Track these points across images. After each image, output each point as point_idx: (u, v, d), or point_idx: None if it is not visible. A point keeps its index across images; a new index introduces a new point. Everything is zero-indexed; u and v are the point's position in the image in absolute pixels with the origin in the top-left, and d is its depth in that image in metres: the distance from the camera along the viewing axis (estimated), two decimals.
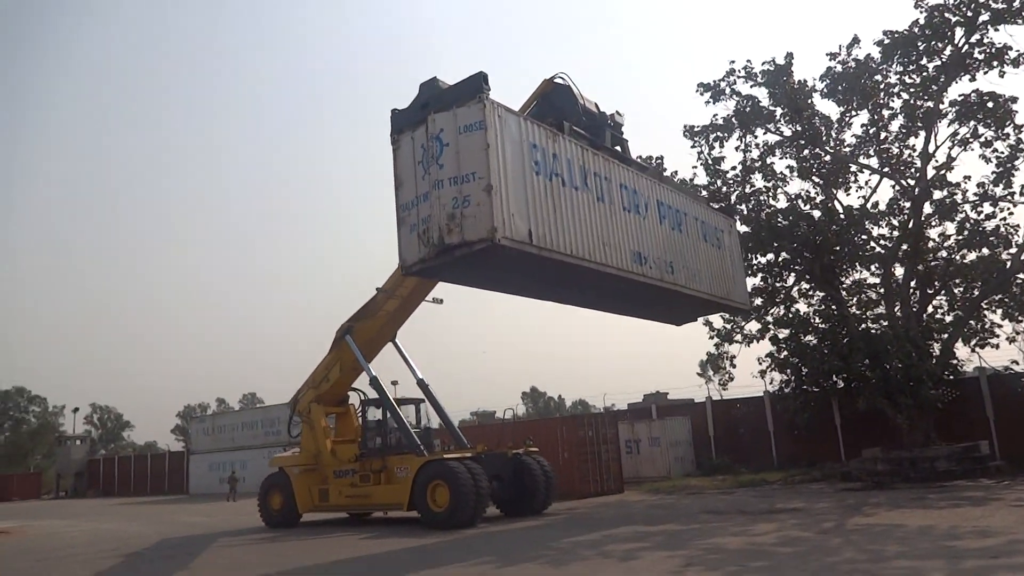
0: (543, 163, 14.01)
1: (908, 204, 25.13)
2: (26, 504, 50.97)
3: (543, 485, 19.40)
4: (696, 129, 27.63)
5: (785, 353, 24.47)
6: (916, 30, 23.98)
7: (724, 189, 27.56)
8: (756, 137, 27.29)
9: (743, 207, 26.97)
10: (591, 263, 14.57)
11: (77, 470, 59.06)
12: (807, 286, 26.22)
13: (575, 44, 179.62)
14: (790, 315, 25.41)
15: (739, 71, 26.68)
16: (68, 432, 75.76)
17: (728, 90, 26.92)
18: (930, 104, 24.43)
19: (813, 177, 26.74)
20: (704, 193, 27.63)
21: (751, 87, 26.71)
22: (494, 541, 15.19)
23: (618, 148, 17.45)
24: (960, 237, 24.24)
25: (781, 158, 27.45)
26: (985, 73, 23.67)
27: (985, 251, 23.58)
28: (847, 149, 26.80)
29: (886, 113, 25.74)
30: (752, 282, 25.80)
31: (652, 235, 16.90)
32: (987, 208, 23.88)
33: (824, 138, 26.62)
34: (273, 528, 20.78)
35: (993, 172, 23.71)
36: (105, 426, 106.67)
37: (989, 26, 23.14)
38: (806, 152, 26.76)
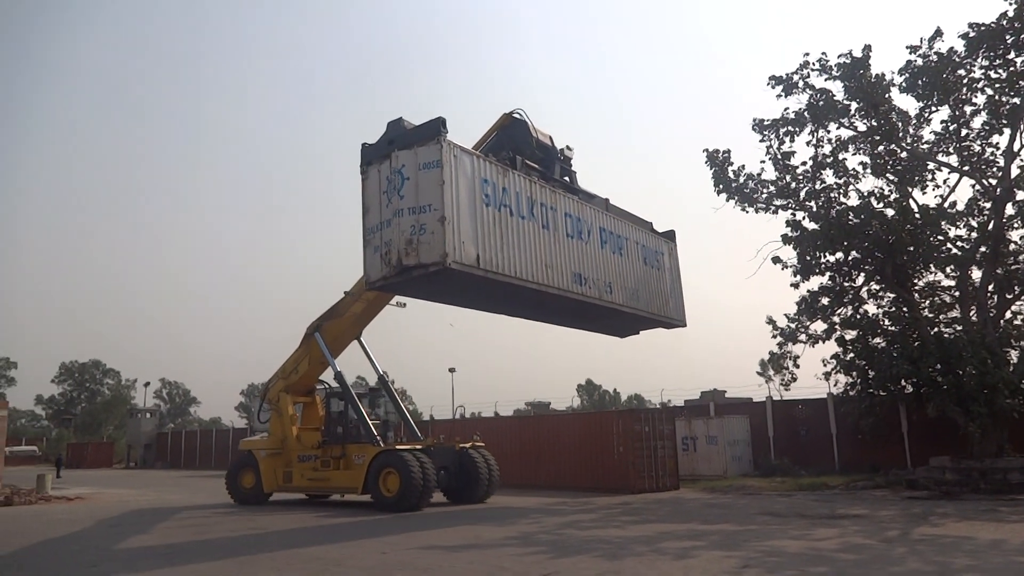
0: (493, 196, 16.03)
1: (989, 205, 24.11)
2: (99, 472, 53.35)
3: (486, 477, 21.27)
4: (766, 123, 26.98)
5: (852, 355, 23.80)
6: (1004, 23, 22.89)
7: (793, 185, 26.91)
8: (828, 132, 26.52)
9: (812, 204, 26.29)
10: (534, 284, 16.58)
11: (147, 442, 61.40)
12: (877, 287, 25.39)
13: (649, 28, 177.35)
14: (858, 316, 24.70)
15: (813, 64, 25.94)
16: (139, 405, 78.74)
17: (801, 83, 26.18)
18: (1016, 100, 23.31)
19: (888, 174, 25.87)
20: (772, 188, 27.10)
21: (825, 80, 25.97)
22: (434, 521, 17.19)
23: (567, 179, 19.50)
24: None
25: (854, 154, 26.65)
26: None
27: None
28: (925, 146, 25.84)
29: (968, 109, 24.70)
30: (819, 280, 25.26)
31: (593, 259, 18.87)
32: None
33: (901, 134, 25.69)
34: (241, 504, 22.41)
35: None
36: (173, 401, 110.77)
37: None
38: (881, 148, 25.88)
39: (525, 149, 18.49)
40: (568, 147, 19.92)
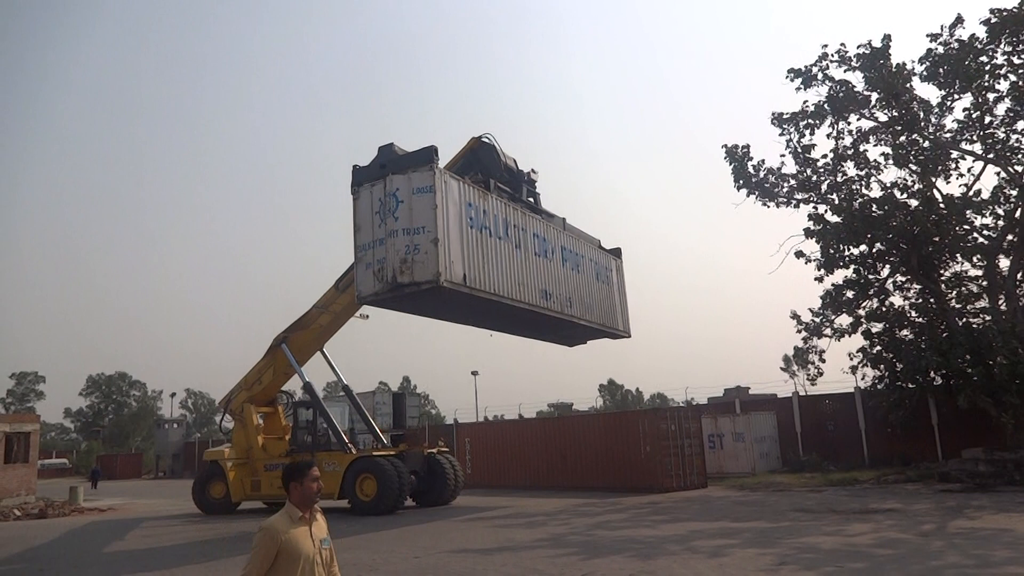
0: (476, 218, 17.25)
1: (1015, 192, 23.77)
2: (130, 483, 53.93)
3: (453, 480, 22.22)
4: (785, 116, 26.81)
5: (879, 348, 23.55)
6: None
7: (814, 178, 26.69)
8: (849, 124, 26.37)
9: (834, 196, 26.07)
10: (509, 300, 17.90)
11: (174, 452, 61.88)
12: (903, 279, 25.12)
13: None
14: (884, 309, 24.44)
15: (832, 55, 25.78)
16: (165, 416, 79.48)
17: (820, 75, 26.04)
18: None
19: (910, 165, 25.55)
20: (793, 182, 26.89)
21: (845, 72, 25.85)
22: (413, 519, 18.31)
23: (531, 200, 20.74)
24: None
25: (875, 145, 26.47)
26: None
27: None
28: (948, 135, 25.53)
29: (991, 96, 24.42)
30: (844, 274, 25.06)
31: (556, 275, 20.47)
32: None
33: (923, 123, 25.41)
34: (209, 514, 22.65)
35: None
36: (199, 411, 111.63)
37: None
38: (903, 138, 25.60)
39: (494, 171, 19.67)
40: (533, 170, 21.22)
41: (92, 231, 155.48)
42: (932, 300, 24.15)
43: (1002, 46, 23.52)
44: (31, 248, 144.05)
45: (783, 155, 27.00)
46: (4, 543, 17.40)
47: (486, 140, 20.17)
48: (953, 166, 25.63)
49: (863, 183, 26.24)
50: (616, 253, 25.17)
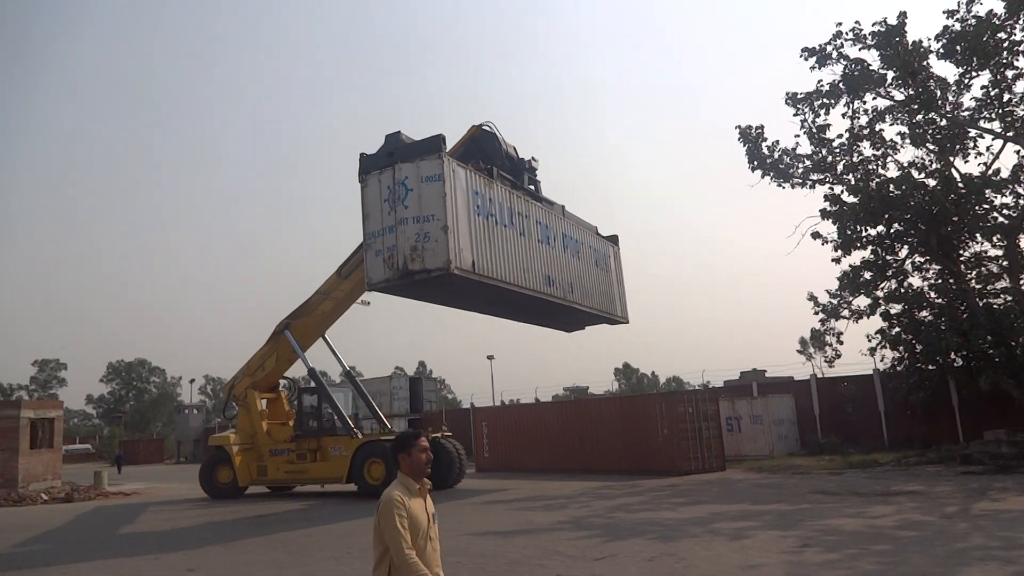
0: (482, 206, 17.53)
1: None
2: (152, 468, 54.65)
3: (457, 464, 22.58)
4: (799, 96, 26.54)
5: (898, 329, 23.41)
6: None
7: (830, 159, 26.46)
8: (864, 103, 26.06)
9: (850, 177, 25.84)
10: (515, 286, 18.27)
11: (195, 437, 62.48)
12: (921, 259, 24.91)
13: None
14: (903, 289, 24.27)
15: (847, 33, 25.46)
16: (185, 401, 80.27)
17: (835, 54, 25.73)
18: None
19: (927, 144, 25.28)
20: (808, 163, 26.66)
21: (860, 50, 25.50)
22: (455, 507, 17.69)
23: (531, 187, 20.91)
24: None
25: (892, 124, 26.16)
26: None
27: None
28: (965, 113, 25.19)
29: (1010, 73, 24.01)
30: (861, 255, 24.91)
31: (558, 262, 20.83)
32: None
33: (940, 102, 25.07)
34: (216, 499, 22.93)
35: None
36: (218, 396, 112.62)
37: None
38: (919, 117, 25.27)
39: (496, 159, 19.80)
40: (534, 158, 21.40)
41: (109, 219, 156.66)
42: (952, 280, 23.95)
43: (1020, 22, 23.12)
44: (50, 237, 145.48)
45: (798, 135, 26.82)
46: (30, 525, 17.71)
47: (487, 128, 20.26)
48: (971, 145, 25.29)
49: (880, 163, 26.02)
50: (613, 240, 25.41)
